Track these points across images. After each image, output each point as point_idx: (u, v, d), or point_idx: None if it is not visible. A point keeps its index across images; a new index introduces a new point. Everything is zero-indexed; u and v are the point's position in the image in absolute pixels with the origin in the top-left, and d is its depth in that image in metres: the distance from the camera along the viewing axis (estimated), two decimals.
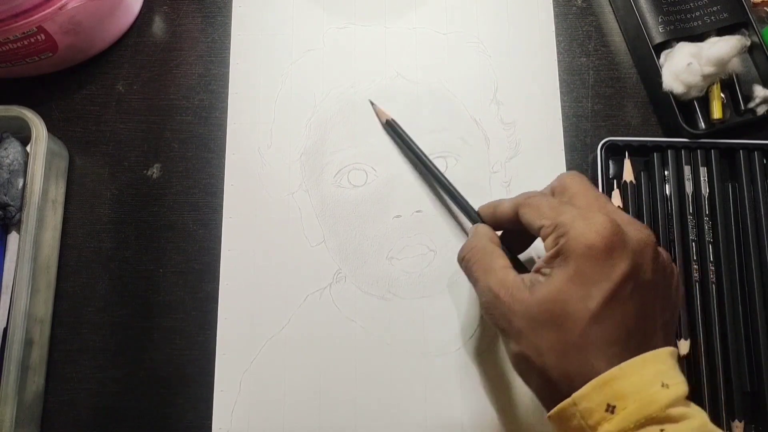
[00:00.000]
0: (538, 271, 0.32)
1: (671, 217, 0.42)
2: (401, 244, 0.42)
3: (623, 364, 0.28)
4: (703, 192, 0.42)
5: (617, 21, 0.47)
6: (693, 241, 0.41)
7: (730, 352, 0.39)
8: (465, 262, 0.36)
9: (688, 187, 0.42)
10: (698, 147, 0.43)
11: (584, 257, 0.29)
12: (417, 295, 0.42)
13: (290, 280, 0.42)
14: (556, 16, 0.47)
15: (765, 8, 0.46)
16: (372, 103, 0.44)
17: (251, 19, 0.47)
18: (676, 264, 0.37)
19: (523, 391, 0.40)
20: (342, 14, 0.47)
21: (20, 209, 0.40)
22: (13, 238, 0.41)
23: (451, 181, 0.41)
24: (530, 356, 0.30)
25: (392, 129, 0.43)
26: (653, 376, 0.28)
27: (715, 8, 0.44)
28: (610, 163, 0.44)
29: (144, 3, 0.47)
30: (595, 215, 0.30)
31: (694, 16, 0.44)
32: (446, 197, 0.42)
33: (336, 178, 0.43)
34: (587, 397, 0.28)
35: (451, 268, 0.42)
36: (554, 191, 0.34)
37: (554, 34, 0.47)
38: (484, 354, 0.41)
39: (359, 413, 0.40)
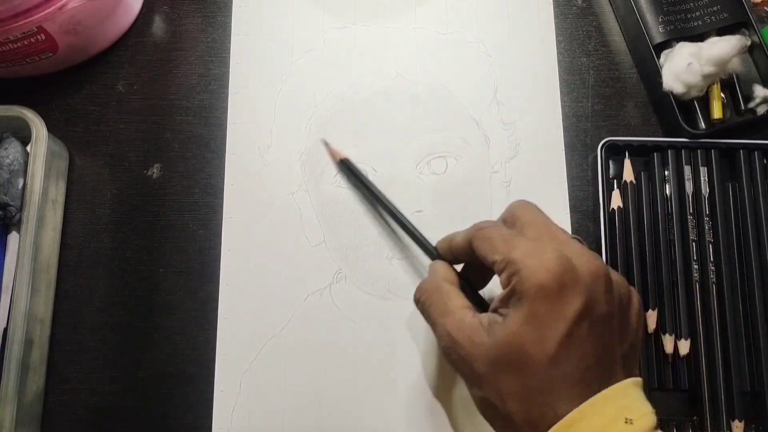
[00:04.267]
0: (495, 310, 0.31)
1: (671, 217, 0.42)
2: (401, 244, 0.42)
3: (582, 406, 0.28)
4: (703, 192, 0.42)
5: (617, 21, 0.47)
6: (693, 241, 0.41)
7: (730, 352, 0.39)
8: (420, 304, 0.35)
9: (689, 187, 0.42)
10: (698, 147, 0.43)
11: (537, 298, 0.29)
12: None
13: (290, 280, 0.42)
14: (556, 16, 0.47)
15: (765, 8, 0.46)
16: (326, 143, 0.43)
17: (251, 19, 0.47)
18: (635, 288, 0.36)
19: None
20: (342, 14, 0.47)
21: (20, 209, 0.40)
22: (13, 238, 0.41)
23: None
24: (493, 402, 0.30)
25: (346, 168, 0.42)
26: (616, 413, 0.28)
27: (715, 8, 0.44)
28: (611, 163, 0.44)
29: (144, 3, 0.47)
30: (545, 251, 0.29)
31: (694, 16, 0.44)
32: (405, 234, 0.39)
33: (336, 178, 0.43)
34: None
35: None
36: (505, 221, 0.33)
37: (554, 34, 0.47)
38: None
39: (359, 413, 0.40)
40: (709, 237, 0.41)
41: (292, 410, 0.40)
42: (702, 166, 0.42)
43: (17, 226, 0.40)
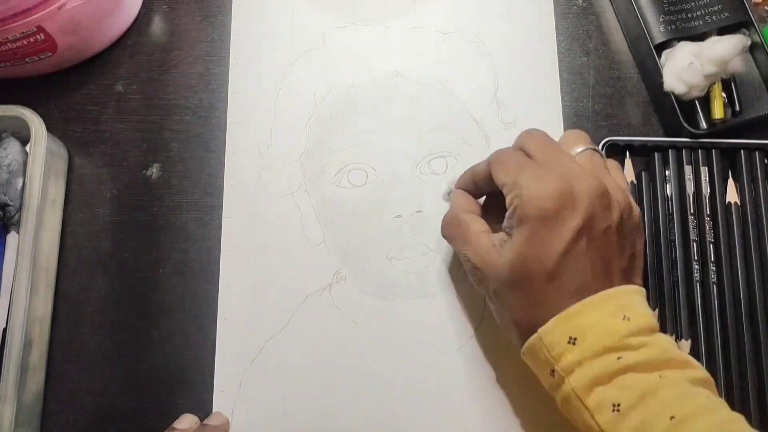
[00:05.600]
0: (504, 230, 0.34)
1: (672, 217, 0.42)
2: (401, 244, 0.42)
3: (584, 301, 0.31)
4: (704, 192, 0.42)
5: (618, 20, 0.47)
6: (694, 241, 0.41)
7: (731, 352, 0.39)
8: (446, 239, 0.38)
9: (689, 187, 0.42)
10: (699, 147, 0.43)
11: (536, 219, 0.31)
12: (417, 295, 0.41)
13: (290, 280, 0.42)
14: (556, 15, 0.47)
15: (766, 8, 0.46)
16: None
17: (251, 19, 0.46)
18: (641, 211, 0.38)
19: (523, 391, 0.40)
20: (342, 14, 0.47)
21: (19, 209, 0.40)
22: (12, 238, 0.41)
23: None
24: (505, 314, 0.34)
25: None
26: (614, 311, 0.31)
27: (716, 8, 0.44)
28: None
29: (143, 3, 0.47)
30: (547, 175, 0.32)
31: (695, 15, 0.44)
32: None
33: (336, 178, 0.43)
34: (551, 331, 0.31)
35: (451, 268, 0.42)
36: (520, 148, 0.35)
37: (555, 33, 0.46)
38: (485, 354, 0.40)
39: (359, 413, 0.40)
40: (709, 237, 0.41)
41: (292, 410, 0.40)
42: (703, 165, 0.42)
43: (16, 226, 0.40)
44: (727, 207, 0.42)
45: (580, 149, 0.35)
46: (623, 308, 0.31)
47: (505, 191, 0.33)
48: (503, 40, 0.46)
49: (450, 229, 0.37)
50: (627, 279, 0.33)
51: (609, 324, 0.30)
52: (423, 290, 0.42)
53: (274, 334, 0.41)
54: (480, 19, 0.47)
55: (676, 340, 0.40)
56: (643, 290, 0.33)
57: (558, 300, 0.31)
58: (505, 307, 0.33)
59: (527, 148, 0.35)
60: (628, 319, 0.30)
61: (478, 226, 0.36)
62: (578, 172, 0.32)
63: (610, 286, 0.32)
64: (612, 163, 0.37)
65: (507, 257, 0.32)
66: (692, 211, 0.42)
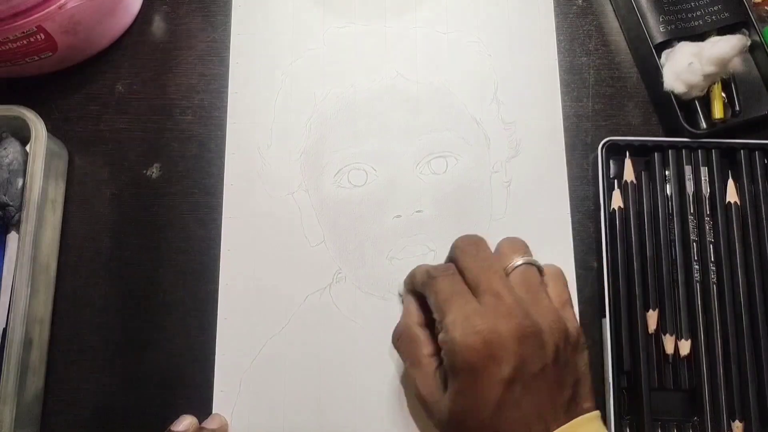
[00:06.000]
0: (444, 365, 0.32)
1: (672, 217, 0.42)
2: (401, 244, 0.42)
3: None
4: (704, 192, 0.42)
5: (618, 20, 0.47)
6: (694, 241, 0.41)
7: (730, 352, 0.39)
8: (398, 350, 0.36)
9: (689, 187, 0.42)
10: (699, 147, 0.43)
11: (464, 373, 0.30)
12: None
13: (290, 280, 0.42)
14: (556, 15, 0.47)
15: (766, 8, 0.46)
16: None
17: (251, 19, 0.47)
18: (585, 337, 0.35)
19: None
20: (342, 14, 0.47)
21: (20, 209, 0.40)
22: (12, 238, 0.41)
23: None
24: None
25: None
26: None
27: (715, 8, 0.44)
28: (611, 162, 0.44)
29: (144, 2, 0.47)
30: (471, 320, 0.30)
31: (695, 15, 0.44)
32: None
33: (336, 178, 0.43)
34: None
35: None
36: (453, 261, 0.34)
37: (555, 33, 0.46)
38: None
39: (359, 413, 0.40)
40: (709, 237, 0.41)
41: (292, 410, 0.40)
42: (703, 165, 0.42)
43: (16, 226, 0.40)
44: (727, 207, 0.42)
45: (517, 262, 0.33)
46: None
47: (436, 327, 0.32)
48: (503, 40, 0.46)
49: (402, 344, 0.36)
50: (575, 408, 0.31)
51: None
52: None
53: (274, 334, 0.41)
54: (480, 19, 0.47)
55: (676, 340, 0.40)
56: (596, 413, 0.31)
57: None
58: None
59: (458, 263, 0.33)
60: None
61: (428, 347, 0.34)
62: (507, 308, 0.31)
63: (556, 424, 0.30)
64: (550, 272, 0.35)
65: (446, 404, 0.31)
66: (692, 212, 0.42)
